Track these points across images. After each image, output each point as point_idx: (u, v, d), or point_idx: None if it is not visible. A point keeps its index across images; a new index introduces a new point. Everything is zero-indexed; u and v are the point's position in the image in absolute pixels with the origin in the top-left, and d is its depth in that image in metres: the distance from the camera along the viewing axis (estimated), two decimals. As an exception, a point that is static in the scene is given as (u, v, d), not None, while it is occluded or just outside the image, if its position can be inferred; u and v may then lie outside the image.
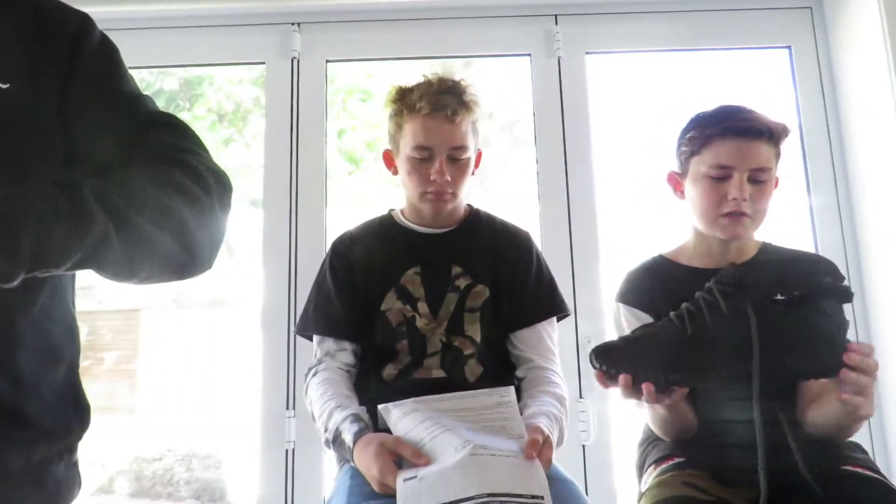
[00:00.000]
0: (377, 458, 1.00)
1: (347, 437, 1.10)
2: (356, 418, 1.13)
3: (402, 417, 1.06)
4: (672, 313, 1.03)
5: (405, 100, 1.29)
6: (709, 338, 0.98)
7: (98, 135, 0.76)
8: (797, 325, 0.96)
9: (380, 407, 1.09)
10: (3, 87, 0.72)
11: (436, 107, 1.25)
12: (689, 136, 1.24)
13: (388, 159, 1.38)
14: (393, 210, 1.42)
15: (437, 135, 1.25)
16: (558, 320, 1.38)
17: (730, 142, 1.18)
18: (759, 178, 1.18)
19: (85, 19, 0.81)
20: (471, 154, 1.31)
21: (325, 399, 1.20)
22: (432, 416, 1.04)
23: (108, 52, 0.81)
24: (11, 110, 0.72)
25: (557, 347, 1.35)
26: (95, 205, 0.59)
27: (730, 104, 1.23)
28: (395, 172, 1.36)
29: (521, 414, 1.14)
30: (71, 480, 0.76)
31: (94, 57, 0.79)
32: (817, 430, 1.11)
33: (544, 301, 1.34)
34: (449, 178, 1.27)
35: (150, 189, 0.66)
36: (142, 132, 0.77)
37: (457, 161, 1.28)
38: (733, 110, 1.21)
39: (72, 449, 0.77)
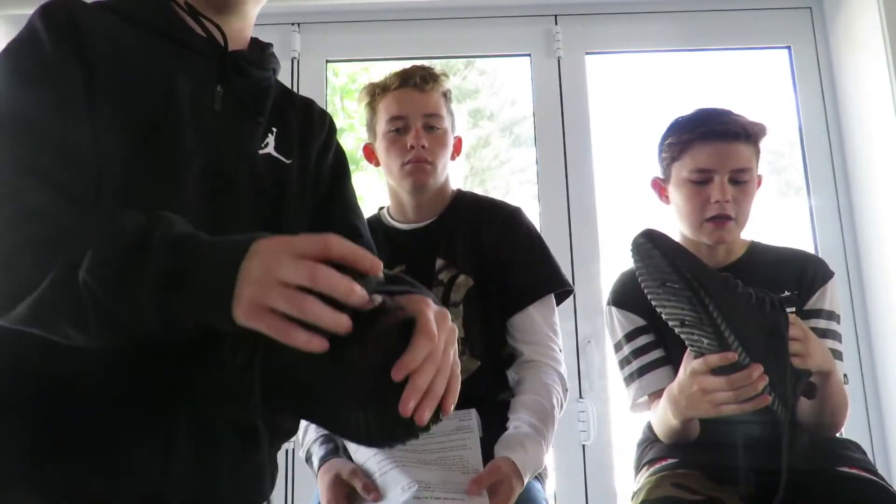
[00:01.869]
0: (329, 490, 1.03)
1: (315, 461, 1.11)
2: (326, 440, 1.13)
3: (360, 447, 1.05)
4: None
5: (375, 85, 1.32)
6: (742, 303, 1.02)
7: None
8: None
9: None
10: (287, 161, 0.89)
11: (404, 79, 1.28)
12: (668, 142, 1.25)
13: (369, 152, 1.37)
14: (382, 209, 1.40)
15: (409, 103, 1.27)
16: (561, 300, 1.30)
17: (709, 145, 1.19)
18: (740, 179, 1.19)
19: (333, 122, 1.01)
20: (447, 127, 1.30)
21: None
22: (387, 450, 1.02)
23: (343, 157, 1.00)
24: (291, 182, 0.89)
25: (558, 330, 1.27)
26: None
27: (706, 107, 1.24)
28: (378, 164, 1.35)
29: (505, 430, 1.12)
30: (276, 469, 0.90)
31: (335, 155, 0.99)
32: (809, 418, 1.12)
33: (534, 279, 1.26)
34: (426, 145, 1.25)
35: None
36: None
37: (433, 130, 1.28)
38: (710, 113, 1.22)
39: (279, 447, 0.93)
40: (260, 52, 0.93)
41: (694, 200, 1.20)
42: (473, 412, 1.06)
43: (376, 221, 1.37)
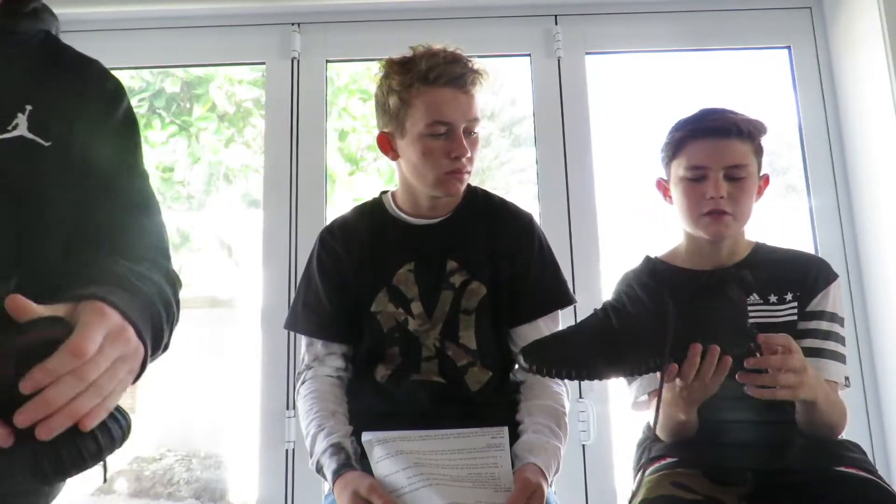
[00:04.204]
0: None
1: (328, 473, 1.09)
2: (336, 450, 1.09)
3: (385, 458, 1.03)
4: (596, 308, 1.02)
5: (413, 72, 1.16)
6: (632, 327, 0.96)
7: (96, 211, 0.81)
8: (706, 311, 0.97)
9: (364, 440, 1.06)
10: (45, 143, 0.76)
11: (451, 77, 1.14)
12: (665, 142, 1.27)
13: (386, 143, 1.24)
14: (385, 194, 1.32)
15: (455, 107, 1.15)
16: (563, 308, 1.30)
17: (701, 142, 1.20)
18: (735, 175, 1.19)
19: (118, 88, 0.86)
20: (479, 129, 1.22)
21: (310, 419, 1.17)
22: (416, 464, 1.01)
23: (129, 130, 0.87)
24: (49, 168, 0.76)
25: None
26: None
27: (707, 107, 1.25)
28: (395, 157, 1.24)
29: (518, 437, 1.13)
30: None
31: (117, 129, 0.85)
32: (804, 428, 1.12)
33: (544, 295, 1.26)
34: (471, 155, 1.18)
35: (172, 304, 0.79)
36: (130, 221, 0.83)
37: (472, 135, 1.19)
38: (705, 112, 1.23)
39: None
40: (8, 15, 0.78)
41: (690, 197, 1.21)
42: (505, 430, 1.02)
43: (380, 209, 1.30)
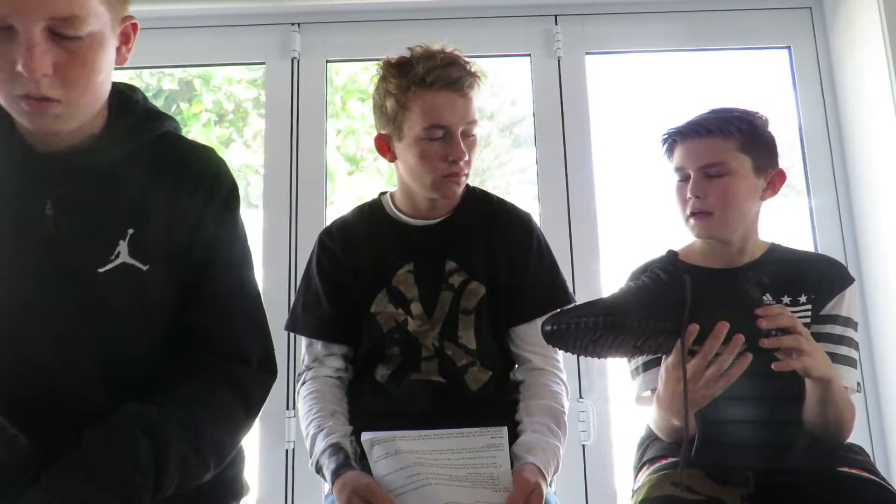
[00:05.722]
0: None
1: (327, 474, 1.09)
2: (335, 450, 1.10)
3: (384, 457, 1.03)
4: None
5: (409, 75, 1.16)
6: (653, 291, 1.00)
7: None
8: (728, 302, 1.01)
9: (363, 440, 1.06)
10: (143, 267, 0.80)
11: (448, 81, 1.14)
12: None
13: (383, 145, 1.24)
14: (384, 195, 1.33)
15: (452, 110, 1.15)
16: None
17: (681, 145, 1.23)
18: (712, 173, 1.19)
19: (215, 184, 0.87)
20: (477, 131, 1.22)
21: (309, 419, 1.17)
22: (415, 463, 1.01)
23: (228, 218, 0.89)
24: (149, 290, 0.81)
25: None
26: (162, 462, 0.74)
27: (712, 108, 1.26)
28: (393, 159, 1.24)
29: (517, 437, 1.13)
30: None
31: (209, 229, 0.86)
32: (813, 425, 1.11)
33: (543, 294, 1.25)
34: (468, 158, 1.18)
35: (207, 430, 0.81)
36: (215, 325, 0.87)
37: (470, 137, 1.19)
38: (696, 115, 1.24)
39: None
40: (112, 132, 0.81)
41: (677, 199, 1.25)
42: (504, 430, 1.00)
43: (379, 210, 1.31)
